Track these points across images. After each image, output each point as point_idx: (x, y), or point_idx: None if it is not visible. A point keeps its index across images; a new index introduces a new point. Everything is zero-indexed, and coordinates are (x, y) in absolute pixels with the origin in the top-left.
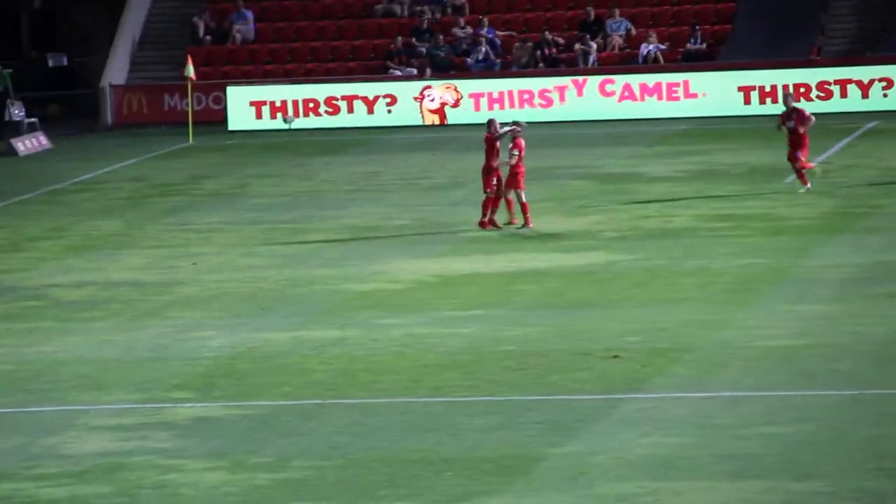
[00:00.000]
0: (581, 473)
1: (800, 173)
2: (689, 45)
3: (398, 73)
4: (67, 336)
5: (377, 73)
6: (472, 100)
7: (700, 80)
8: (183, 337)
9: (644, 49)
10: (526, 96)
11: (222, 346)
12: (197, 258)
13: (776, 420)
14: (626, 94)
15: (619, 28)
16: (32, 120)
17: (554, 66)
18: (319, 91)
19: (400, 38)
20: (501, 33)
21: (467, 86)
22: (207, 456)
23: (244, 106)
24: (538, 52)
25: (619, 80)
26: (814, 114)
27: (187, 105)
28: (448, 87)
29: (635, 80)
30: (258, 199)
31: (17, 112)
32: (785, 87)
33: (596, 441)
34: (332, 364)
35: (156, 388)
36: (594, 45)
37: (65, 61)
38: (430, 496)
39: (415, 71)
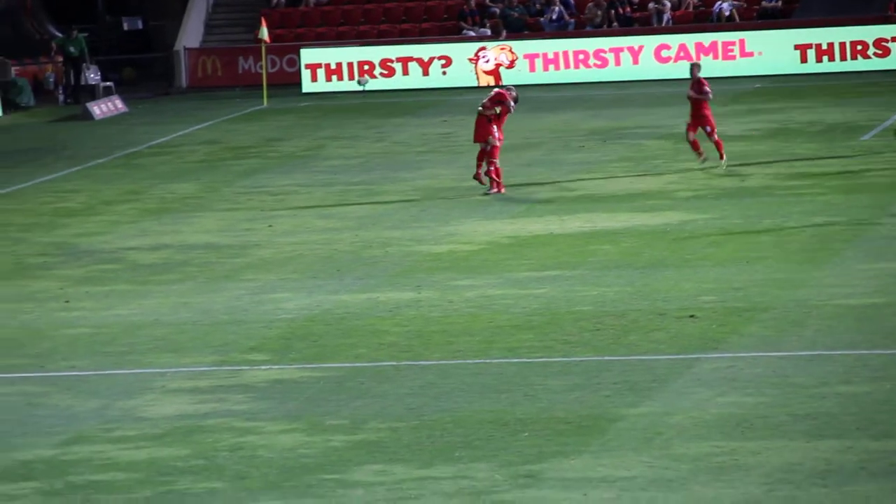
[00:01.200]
0: (657, 434)
1: (718, 146)
2: (764, 2)
3: (472, 33)
4: (144, 299)
5: (451, 33)
6: (526, 61)
7: (756, 39)
8: (259, 299)
9: (718, 7)
10: (581, 57)
11: (298, 309)
12: (272, 220)
13: (853, 379)
14: (682, 54)
15: None
16: (108, 84)
17: (628, 26)
18: (374, 53)
19: None
20: None
21: (522, 46)
22: (284, 418)
23: (318, 68)
24: (612, 12)
25: (675, 41)
26: (868, 72)
27: (261, 68)
28: (503, 48)
29: (690, 39)
30: (332, 161)
31: (92, 76)
32: (697, 58)
33: (672, 401)
34: (406, 326)
35: (232, 350)
36: (668, 4)
37: (140, 25)
38: (505, 457)
39: (488, 31)
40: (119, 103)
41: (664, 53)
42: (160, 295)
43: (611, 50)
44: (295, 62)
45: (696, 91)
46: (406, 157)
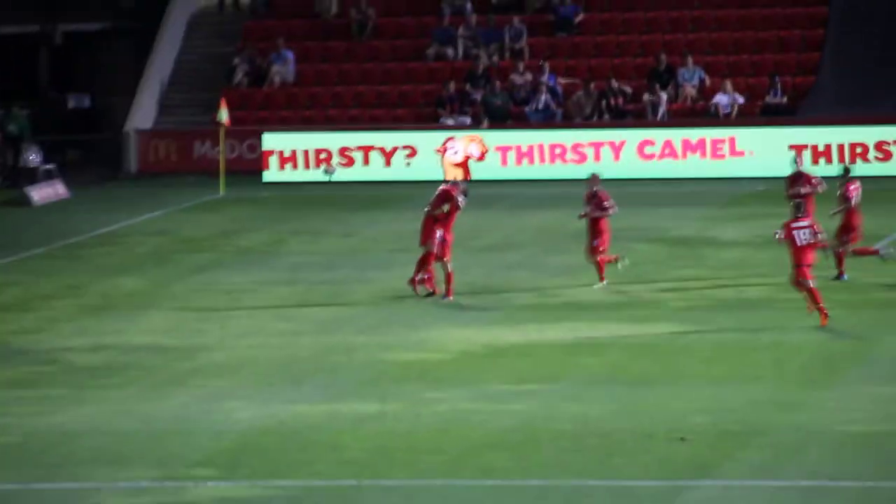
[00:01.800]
0: None
1: (599, 266)
2: (768, 98)
3: (450, 122)
4: (81, 405)
5: (427, 121)
6: (498, 153)
7: (748, 137)
8: (208, 408)
9: (716, 101)
10: (558, 151)
11: (251, 419)
12: (225, 321)
13: None
14: (668, 151)
15: (692, 77)
16: (49, 166)
17: (620, 118)
18: (333, 141)
19: (452, 84)
20: (564, 81)
21: (494, 138)
22: None
23: (281, 155)
24: (602, 102)
25: (660, 136)
26: (867, 178)
27: (219, 153)
28: (473, 139)
29: (677, 135)
30: (294, 257)
31: (32, 157)
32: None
33: None
34: (369, 441)
35: (176, 464)
36: (664, 96)
37: (87, 103)
38: None
39: (468, 120)
40: (61, 188)
41: (648, 150)
42: (99, 401)
43: (590, 144)
44: (256, 147)
45: (597, 207)
46: (375, 254)
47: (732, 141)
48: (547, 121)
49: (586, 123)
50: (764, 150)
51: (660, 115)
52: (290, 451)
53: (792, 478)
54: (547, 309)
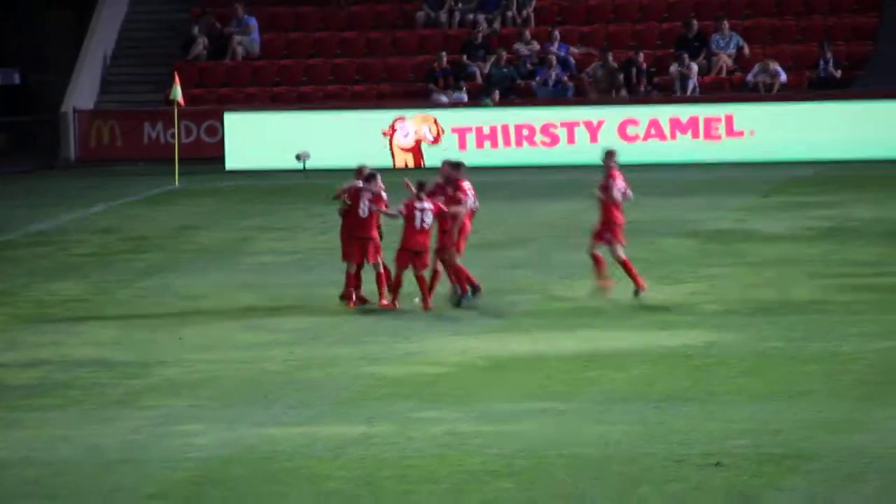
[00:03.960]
0: None
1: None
2: (819, 68)
3: (443, 98)
4: (11, 430)
5: (417, 97)
6: (455, 136)
7: (793, 115)
8: (162, 432)
9: (751, 76)
10: (525, 132)
11: (212, 445)
12: (182, 332)
13: None
14: (699, 131)
15: (727, 45)
16: None
17: (643, 94)
18: (310, 121)
19: (445, 55)
20: (577, 51)
21: (449, 118)
22: None
23: (246, 139)
24: (621, 76)
25: (690, 113)
26: None
27: (173, 137)
28: (426, 120)
29: (664, 112)
30: (262, 257)
31: None
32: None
33: None
34: (353, 470)
35: (126, 498)
36: (695, 67)
37: (17, 79)
38: None
39: (465, 96)
40: None
41: (675, 130)
42: (33, 425)
43: (563, 125)
44: (216, 130)
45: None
46: None
47: (776, 120)
48: (557, 97)
49: (603, 100)
50: (813, 131)
51: (689, 89)
52: (260, 483)
53: None
54: (559, 315)
